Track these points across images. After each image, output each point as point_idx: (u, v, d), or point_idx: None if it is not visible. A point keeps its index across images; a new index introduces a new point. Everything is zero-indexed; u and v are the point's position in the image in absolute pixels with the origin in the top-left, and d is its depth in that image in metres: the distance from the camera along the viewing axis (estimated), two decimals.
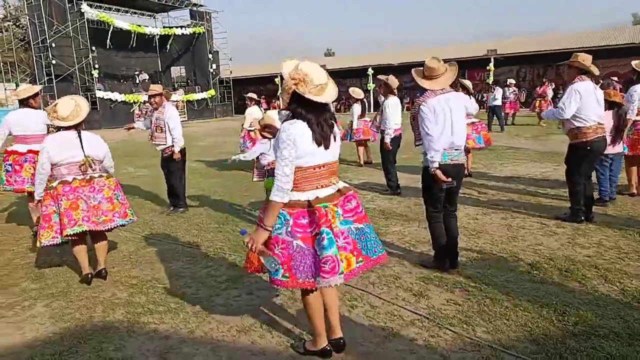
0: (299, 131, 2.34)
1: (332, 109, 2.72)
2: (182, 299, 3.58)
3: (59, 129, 3.81)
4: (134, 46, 28.96)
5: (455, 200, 3.90)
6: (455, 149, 3.64)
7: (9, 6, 32.34)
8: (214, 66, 32.47)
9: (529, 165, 8.76)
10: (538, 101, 16.22)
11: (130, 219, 4.04)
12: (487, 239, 4.62)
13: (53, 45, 23.96)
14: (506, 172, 8.17)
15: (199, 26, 31.35)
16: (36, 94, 5.21)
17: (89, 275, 3.92)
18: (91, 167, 3.82)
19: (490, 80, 23.85)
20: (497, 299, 3.30)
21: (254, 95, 9.51)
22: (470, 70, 31.49)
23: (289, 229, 2.40)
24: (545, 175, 7.62)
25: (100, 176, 3.91)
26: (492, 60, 25.25)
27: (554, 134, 13.33)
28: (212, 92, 31.92)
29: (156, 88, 5.99)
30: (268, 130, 5.33)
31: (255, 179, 5.57)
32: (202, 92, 31.40)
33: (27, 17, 25.28)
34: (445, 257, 3.82)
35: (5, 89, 26.18)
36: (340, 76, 30.21)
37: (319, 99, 2.34)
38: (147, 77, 30.70)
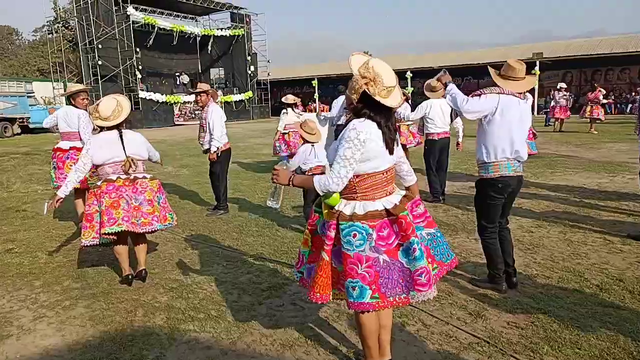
0: (369, 130, 2.15)
1: None
2: (223, 306, 3.45)
3: (101, 129, 3.77)
4: (175, 45, 29.57)
5: (508, 213, 3.62)
6: (518, 160, 3.35)
7: (60, 9, 33.67)
8: (252, 68, 32.77)
9: (582, 174, 8.25)
10: (590, 107, 15.41)
11: (169, 223, 3.96)
12: (545, 254, 4.28)
13: (100, 46, 24.76)
14: (558, 180, 7.71)
15: (239, 28, 31.73)
16: (79, 93, 5.23)
17: (130, 276, 3.86)
18: (133, 167, 3.76)
19: (535, 84, 22.98)
20: (565, 324, 3.00)
21: (291, 100, 9.37)
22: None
23: (373, 244, 2.18)
24: (602, 186, 7.13)
25: (144, 177, 3.85)
26: (538, 63, 24.31)
27: (605, 141, 12.61)
28: (249, 93, 32.24)
29: (202, 86, 5.95)
30: (309, 133, 5.21)
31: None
32: (240, 93, 31.76)
33: (76, 19, 26.23)
34: (501, 278, 3.52)
35: (54, 88, 27.28)
36: None
37: (387, 102, 2.15)
38: (188, 79, 31.34)
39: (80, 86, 5.38)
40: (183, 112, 28.92)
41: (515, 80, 3.37)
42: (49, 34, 31.92)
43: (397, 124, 9.19)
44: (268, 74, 33.87)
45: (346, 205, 2.24)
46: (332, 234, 2.24)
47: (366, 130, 2.15)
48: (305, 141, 5.10)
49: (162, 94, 26.92)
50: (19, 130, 21.87)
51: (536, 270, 3.91)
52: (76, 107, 5.22)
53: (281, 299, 3.54)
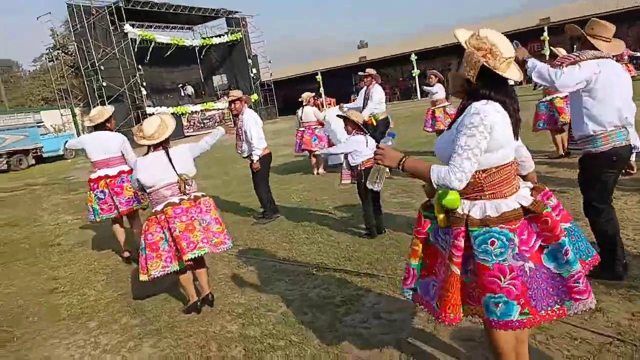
0: (498, 115, 1.79)
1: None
2: (301, 329, 3.13)
3: (147, 150, 3.49)
4: (175, 58, 29.36)
5: (613, 189, 3.22)
6: (626, 127, 2.97)
7: (57, 35, 33.60)
8: (254, 70, 32.43)
9: None
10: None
11: (233, 240, 3.67)
12: (636, 228, 3.89)
13: (102, 68, 24.58)
14: None
15: (236, 32, 31.40)
16: (110, 117, 4.94)
17: (198, 303, 3.59)
18: (188, 185, 3.46)
19: (547, 51, 22.29)
20: None
21: (305, 96, 9.05)
22: (523, 42, 29.90)
23: (516, 251, 1.82)
24: None
25: (203, 195, 3.57)
26: (546, 29, 23.59)
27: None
28: (254, 96, 31.84)
29: (235, 93, 5.68)
30: (352, 124, 4.85)
31: (344, 182, 5.02)
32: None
33: (75, 44, 26.07)
34: (620, 265, 3.12)
35: (62, 115, 27.23)
36: (380, 66, 29.45)
37: (509, 75, 1.79)
38: (192, 89, 31.15)
39: (109, 109, 5.04)
40: (192, 123, 28.72)
41: (606, 42, 3.00)
42: (49, 61, 31.80)
43: (432, 108, 8.87)
44: (270, 75, 33.50)
45: (473, 207, 1.88)
46: (462, 243, 1.87)
47: (492, 113, 1.79)
48: (355, 131, 4.72)
49: (169, 107, 26.72)
50: (33, 162, 21.81)
51: (634, 248, 3.53)
52: (110, 130, 4.92)
53: (362, 314, 3.21)
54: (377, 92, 7.48)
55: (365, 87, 7.67)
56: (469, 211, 1.88)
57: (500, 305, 1.81)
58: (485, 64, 1.76)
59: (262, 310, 3.48)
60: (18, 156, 20.90)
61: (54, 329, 3.71)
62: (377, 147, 2.00)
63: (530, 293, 1.81)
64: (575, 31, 3.10)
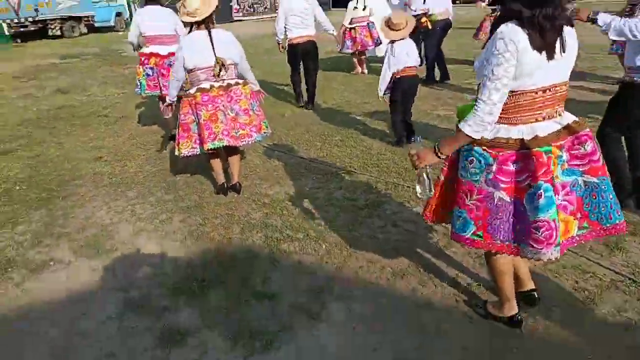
0: (525, 37, 1.64)
1: None
2: (320, 225, 3.26)
3: (190, 28, 3.42)
4: None
5: None
6: None
7: None
8: None
9: None
10: None
11: (265, 133, 3.70)
12: None
13: None
14: None
15: None
16: None
17: (225, 185, 3.78)
18: (224, 70, 3.42)
19: None
20: None
21: None
22: None
23: (490, 177, 1.81)
24: None
25: (237, 83, 3.53)
26: None
27: None
28: None
29: None
30: (396, 30, 4.54)
31: (383, 94, 4.84)
32: None
33: None
34: (629, 194, 3.02)
35: None
36: None
37: None
38: None
39: None
40: (241, 6, 27.73)
41: None
42: None
43: (488, 16, 8.04)
44: None
45: None
46: (454, 155, 1.93)
47: (516, 36, 1.63)
48: (392, 40, 4.48)
49: None
50: (85, 30, 22.01)
51: None
52: (160, 5, 4.83)
53: (381, 219, 3.29)
54: None
55: None
56: (481, 135, 1.80)
57: (460, 219, 1.91)
58: None
59: (287, 203, 3.62)
60: (71, 23, 21.05)
61: (96, 193, 4.03)
62: (409, 154, 1.96)
63: (490, 219, 1.84)
64: None
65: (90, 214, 3.67)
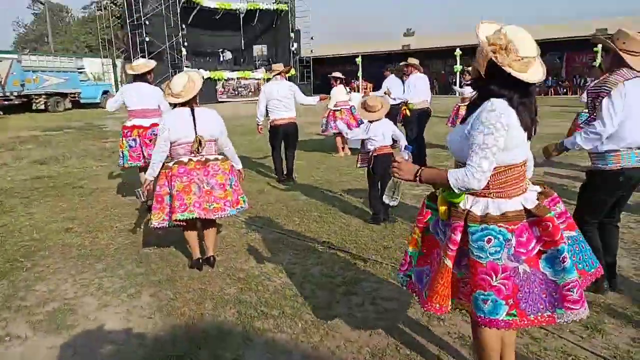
0: (511, 112, 1.75)
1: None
2: (297, 302, 3.15)
3: (174, 107, 3.55)
4: (218, 23, 29.37)
5: (623, 208, 3.14)
6: None
7: None
8: (295, 45, 32.24)
9: None
10: None
11: (241, 207, 3.72)
12: None
13: (147, 22, 24.84)
14: None
15: (283, 4, 31.16)
16: (152, 70, 5.05)
17: (200, 260, 3.68)
18: (201, 146, 3.49)
19: (597, 62, 21.37)
20: None
21: (340, 75, 9.06)
22: (570, 52, 28.77)
23: (512, 252, 1.79)
24: None
25: (216, 159, 3.61)
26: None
27: None
28: (292, 71, 31.77)
29: (277, 67, 6.18)
30: (372, 111, 4.78)
31: (359, 166, 5.02)
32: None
33: None
34: (602, 279, 3.04)
35: (103, 65, 27.77)
36: (422, 57, 28.97)
37: (521, 76, 1.72)
38: (231, 55, 31.24)
39: (152, 62, 5.16)
40: (226, 89, 28.89)
41: (636, 56, 2.84)
42: (97, 10, 32.37)
43: (459, 105, 8.70)
44: (311, 51, 33.25)
45: (475, 203, 1.85)
46: (458, 237, 1.86)
47: (507, 111, 1.75)
48: (370, 119, 4.71)
49: (206, 70, 26.89)
50: (69, 105, 22.42)
51: (637, 271, 3.41)
52: (149, 83, 5.02)
53: (359, 297, 3.21)
54: (411, 82, 7.33)
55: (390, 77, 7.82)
56: (470, 207, 1.85)
57: (488, 302, 1.80)
58: (493, 59, 1.70)
59: (262, 279, 3.52)
60: (56, 98, 21.49)
61: (62, 265, 3.85)
62: (394, 160, 1.98)
63: (520, 295, 1.79)
64: (603, 43, 2.94)
65: (54, 286, 3.48)
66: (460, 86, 8.79)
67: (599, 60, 21.92)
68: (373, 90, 14.94)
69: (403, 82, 7.82)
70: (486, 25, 1.81)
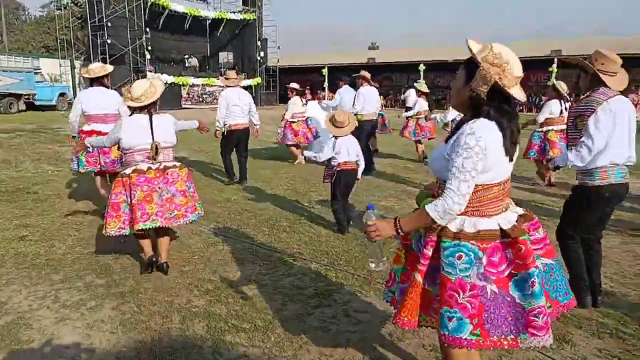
0: (492, 136, 1.74)
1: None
2: (268, 315, 3.06)
3: (132, 111, 3.46)
4: (184, 29, 28.96)
5: (605, 225, 3.23)
6: (627, 164, 2.96)
7: None
8: (262, 54, 32.12)
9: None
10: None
11: (198, 213, 3.71)
12: (615, 269, 3.89)
13: (109, 24, 24.11)
14: None
15: (251, 12, 31.07)
16: (109, 74, 4.85)
17: (153, 258, 3.62)
18: (157, 154, 3.45)
19: (551, 82, 22.41)
20: None
21: (296, 86, 9.15)
22: (525, 71, 30.01)
23: (482, 270, 1.77)
24: None
25: (174, 166, 3.57)
26: (556, 61, 23.70)
27: None
28: (258, 79, 31.61)
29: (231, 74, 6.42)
30: (339, 127, 4.76)
31: (324, 182, 4.98)
32: (248, 79, 31.09)
33: None
34: (587, 291, 3.13)
35: (60, 66, 26.72)
36: (388, 71, 29.80)
37: (519, 96, 1.75)
38: (196, 62, 30.78)
39: (110, 67, 4.95)
40: (190, 96, 28.38)
41: (613, 76, 2.95)
42: (57, 9, 31.20)
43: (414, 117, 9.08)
44: (278, 61, 33.23)
45: (452, 219, 1.83)
46: (430, 252, 1.85)
47: (486, 134, 1.74)
48: (334, 136, 4.70)
49: (170, 75, 26.33)
50: (24, 107, 21.35)
51: (611, 287, 3.53)
52: (105, 87, 4.82)
53: (332, 309, 3.16)
54: (360, 94, 7.56)
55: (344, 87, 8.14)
56: (446, 222, 1.83)
57: (453, 320, 1.77)
58: (498, 81, 1.71)
59: (232, 291, 3.41)
60: (9, 99, 20.44)
61: (15, 276, 3.60)
62: (366, 225, 1.90)
63: (486, 315, 1.76)
64: (583, 65, 3.03)
65: (6, 298, 3.24)
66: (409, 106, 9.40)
67: (552, 80, 23.05)
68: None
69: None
70: (474, 43, 1.81)
